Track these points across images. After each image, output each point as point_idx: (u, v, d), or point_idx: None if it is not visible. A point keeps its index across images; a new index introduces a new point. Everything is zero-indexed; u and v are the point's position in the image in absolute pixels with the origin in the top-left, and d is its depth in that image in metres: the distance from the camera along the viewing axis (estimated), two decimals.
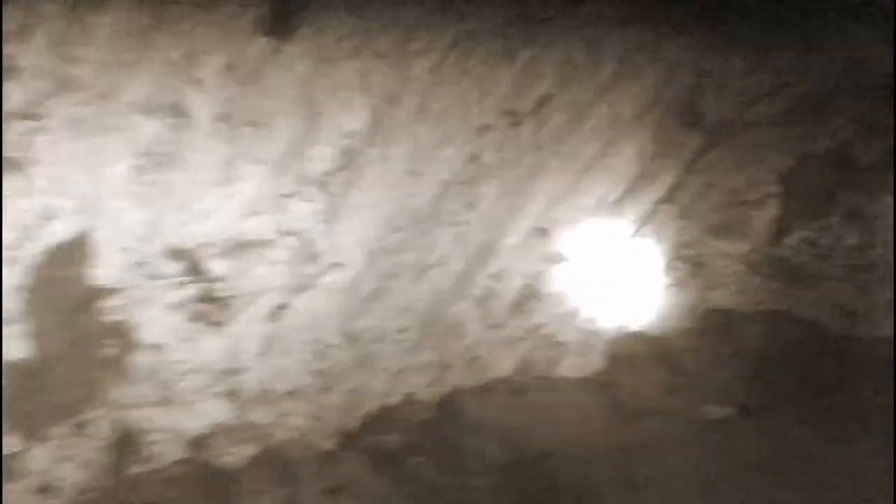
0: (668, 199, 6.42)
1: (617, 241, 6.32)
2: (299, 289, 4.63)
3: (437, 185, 4.95)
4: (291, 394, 4.83)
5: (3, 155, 3.56)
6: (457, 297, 5.61)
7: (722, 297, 7.18)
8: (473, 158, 5.03)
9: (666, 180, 6.19)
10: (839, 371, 6.51)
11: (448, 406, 5.76)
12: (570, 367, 6.27)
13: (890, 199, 6.70)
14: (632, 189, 6.01)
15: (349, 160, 4.46)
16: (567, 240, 5.98)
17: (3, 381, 3.80)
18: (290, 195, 4.39)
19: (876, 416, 5.95)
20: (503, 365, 6.02)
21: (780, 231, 7.07)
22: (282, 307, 4.64)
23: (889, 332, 6.61)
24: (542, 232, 5.82)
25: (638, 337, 6.76)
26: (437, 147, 4.80)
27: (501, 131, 5.05)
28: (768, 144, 6.87)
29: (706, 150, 6.25)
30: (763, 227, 7.07)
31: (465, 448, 5.41)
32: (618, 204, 6.05)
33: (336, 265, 4.73)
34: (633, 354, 6.72)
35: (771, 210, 6.99)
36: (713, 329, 7.09)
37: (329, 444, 4.98)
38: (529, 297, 5.95)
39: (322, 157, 4.37)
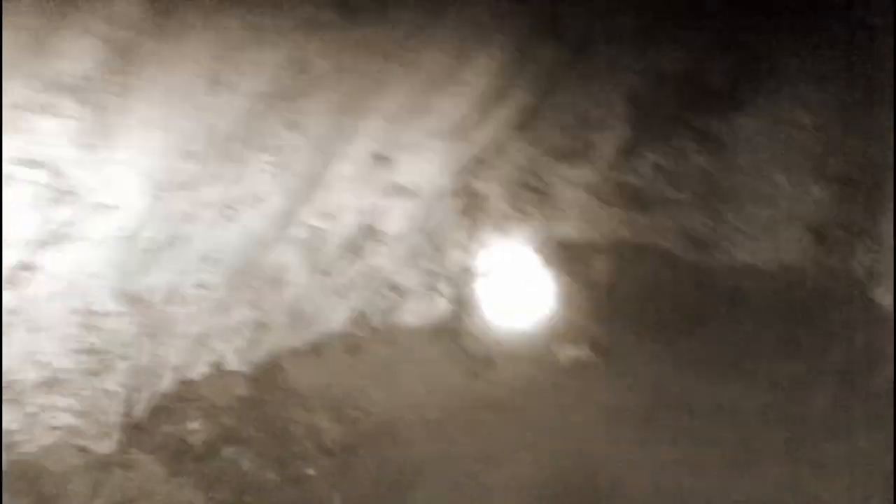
0: (517, 120, 5.83)
1: (462, 169, 5.55)
2: (51, 241, 3.33)
3: (247, 97, 3.70)
4: (47, 384, 3.56)
5: None
6: (275, 241, 4.56)
7: (568, 228, 6.65)
8: (296, 64, 3.84)
9: (518, 98, 5.56)
10: (697, 304, 6.21)
11: (267, 376, 4.74)
12: (411, 315, 5.56)
13: (743, 120, 6.22)
14: (482, 108, 5.21)
15: (121, 58, 3.11)
16: (408, 169, 5.07)
17: None
18: (30, 108, 3.00)
19: (744, 350, 5.70)
20: (334, 318, 5.17)
21: (626, 155, 6.58)
22: (26, 267, 3.33)
23: (744, 259, 6.31)
24: (380, 159, 4.88)
25: (483, 276, 6.16)
26: (248, 46, 3.53)
27: (332, 29, 3.92)
28: (619, 62, 6.30)
29: (561, 66, 5.62)
30: (609, 150, 6.53)
31: (292, 429, 4.42)
32: (465, 125, 5.21)
33: (104, 206, 3.44)
34: (478, 296, 6.13)
35: (617, 132, 6.47)
36: (561, 263, 6.59)
37: (105, 447, 3.78)
38: (365, 237, 5.10)
39: (79, 53, 3.00)
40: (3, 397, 3.42)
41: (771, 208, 6.32)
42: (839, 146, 6.09)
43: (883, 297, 5.60)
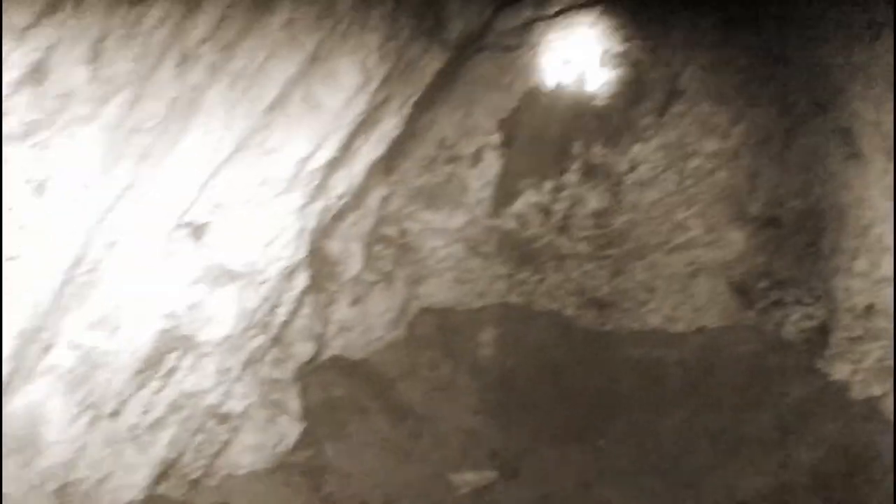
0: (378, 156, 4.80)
1: (307, 231, 3.87)
2: None
3: None
4: None
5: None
6: (20, 378, 2.79)
7: (436, 291, 5.41)
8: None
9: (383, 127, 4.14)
10: (605, 386, 5.07)
11: None
12: (249, 453, 3.86)
13: (642, 149, 5.23)
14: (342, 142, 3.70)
15: None
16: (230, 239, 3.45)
17: None
18: None
19: (672, 450, 4.61)
20: (131, 483, 3.29)
21: (502, 196, 5.45)
22: None
23: (655, 322, 5.30)
24: (187, 229, 3.22)
25: (336, 365, 4.79)
26: None
27: None
28: (489, 78, 5.24)
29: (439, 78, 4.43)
30: (481, 190, 5.40)
31: None
32: (312, 167, 3.60)
33: None
34: (331, 398, 4.57)
35: (490, 167, 5.40)
36: (429, 339, 5.30)
37: None
38: (169, 349, 3.28)
39: None
40: None
41: (682, 258, 5.34)
42: (760, 180, 5.20)
43: (830, 367, 4.65)
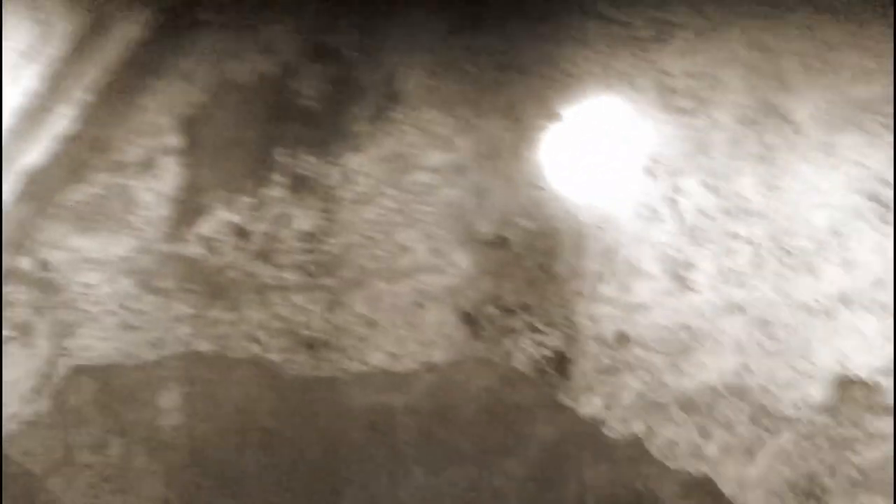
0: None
1: None
2: None
3: None
4: None
5: None
6: None
7: (94, 343, 4.08)
8: None
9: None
10: (327, 447, 4.18)
11: None
12: None
13: (353, 158, 4.51)
14: None
15: None
16: None
17: None
18: None
19: None
20: None
21: (184, 214, 4.37)
22: None
23: (375, 362, 4.42)
24: None
25: None
26: None
27: None
28: (178, 70, 4.29)
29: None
30: (155, 206, 4.31)
31: None
32: None
33: None
34: None
35: (168, 177, 4.36)
36: (88, 411, 3.95)
37: None
38: None
39: None
40: None
41: (406, 285, 4.61)
42: (488, 197, 4.67)
43: (577, 402, 4.31)
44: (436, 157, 4.75)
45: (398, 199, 4.77)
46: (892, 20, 4.83)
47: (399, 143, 4.73)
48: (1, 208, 2.49)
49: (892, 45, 4.76)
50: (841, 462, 4.14)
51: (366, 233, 4.74)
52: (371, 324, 4.66)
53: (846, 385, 4.14)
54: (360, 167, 4.71)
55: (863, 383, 4.14)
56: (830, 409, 4.15)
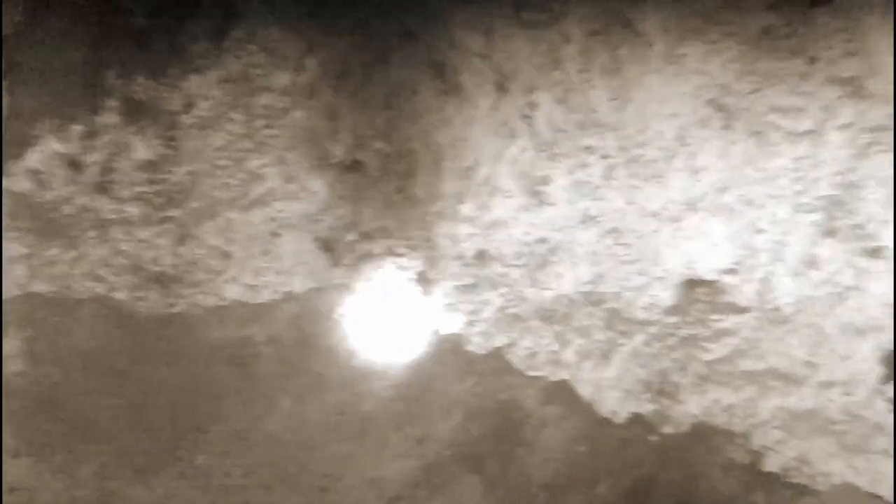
0: None
1: None
2: None
3: None
4: None
5: None
6: None
7: None
8: None
9: None
10: (182, 385, 4.04)
11: None
12: None
13: (193, 80, 4.17)
14: None
15: None
16: None
17: None
18: None
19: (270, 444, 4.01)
20: None
21: (8, 146, 3.97)
22: None
23: (233, 295, 4.31)
24: None
25: None
26: None
27: None
28: None
29: None
30: None
31: None
32: None
33: None
34: None
35: None
36: None
37: None
38: None
39: None
40: None
41: (261, 214, 4.42)
42: (341, 120, 4.48)
43: (439, 320, 4.35)
44: (283, 79, 4.52)
45: (246, 123, 4.51)
46: None
47: (243, 63, 4.42)
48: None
49: None
50: (690, 359, 4.37)
51: (213, 161, 4.50)
52: (225, 256, 4.50)
53: (693, 286, 4.37)
54: (202, 90, 4.43)
55: (708, 284, 4.36)
56: (679, 311, 4.36)
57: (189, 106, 4.39)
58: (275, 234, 4.55)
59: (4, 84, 4.26)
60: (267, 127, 4.57)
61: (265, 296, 4.53)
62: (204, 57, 4.44)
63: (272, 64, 4.52)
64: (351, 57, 4.71)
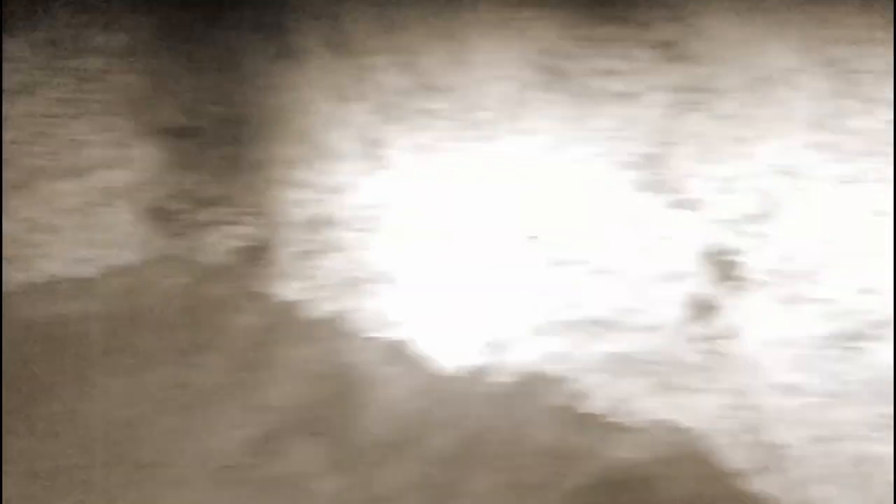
0: None
1: None
2: None
3: None
4: None
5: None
6: None
7: None
8: None
9: None
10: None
11: None
12: None
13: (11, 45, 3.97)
14: None
15: None
16: None
17: None
18: None
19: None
20: None
21: None
22: None
23: (54, 270, 4.15)
24: None
25: None
26: None
27: None
28: None
29: None
30: None
31: None
32: None
33: None
34: None
35: None
36: None
37: None
38: None
39: None
40: None
41: (83, 184, 4.29)
42: (168, 83, 4.41)
43: (276, 287, 4.28)
44: (104, 39, 4.38)
45: (66, 87, 4.36)
46: None
47: (60, 22, 4.30)
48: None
49: None
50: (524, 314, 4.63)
51: (30, 128, 4.31)
52: (46, 229, 4.34)
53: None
54: (16, 53, 4.25)
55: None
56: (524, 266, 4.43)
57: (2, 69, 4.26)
58: (100, 205, 4.40)
59: None
60: (89, 91, 4.41)
61: (91, 269, 4.40)
62: (16, 17, 4.25)
63: (91, 22, 4.37)
64: (180, 19, 4.57)
